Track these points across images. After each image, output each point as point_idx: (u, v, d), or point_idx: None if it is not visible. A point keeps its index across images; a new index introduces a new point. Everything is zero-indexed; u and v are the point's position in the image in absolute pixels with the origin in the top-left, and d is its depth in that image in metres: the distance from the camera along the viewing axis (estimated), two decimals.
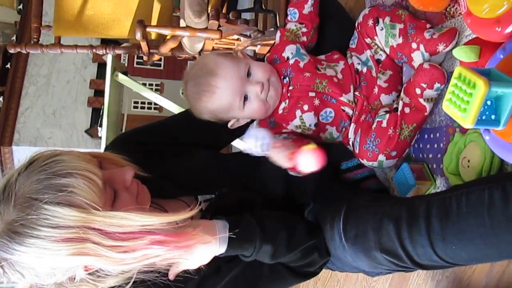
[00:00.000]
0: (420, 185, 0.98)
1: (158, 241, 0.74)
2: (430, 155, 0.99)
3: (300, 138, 1.04)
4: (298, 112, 1.04)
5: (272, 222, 0.92)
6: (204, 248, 0.82)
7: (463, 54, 0.80)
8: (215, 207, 0.98)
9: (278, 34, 1.15)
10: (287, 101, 1.05)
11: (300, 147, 0.88)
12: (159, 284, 0.82)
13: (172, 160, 1.03)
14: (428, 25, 0.97)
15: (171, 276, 0.83)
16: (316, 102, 1.04)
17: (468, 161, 0.86)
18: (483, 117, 0.68)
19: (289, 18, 1.14)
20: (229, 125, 1.09)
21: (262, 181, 1.07)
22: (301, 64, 1.06)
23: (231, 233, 0.84)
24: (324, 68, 1.07)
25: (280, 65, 1.08)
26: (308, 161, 0.88)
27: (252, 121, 1.12)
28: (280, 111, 1.06)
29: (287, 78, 1.06)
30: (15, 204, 0.70)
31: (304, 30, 1.13)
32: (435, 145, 0.98)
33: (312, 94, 1.04)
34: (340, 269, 1.06)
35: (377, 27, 1.04)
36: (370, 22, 1.05)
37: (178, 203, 0.98)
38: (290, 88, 1.05)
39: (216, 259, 0.85)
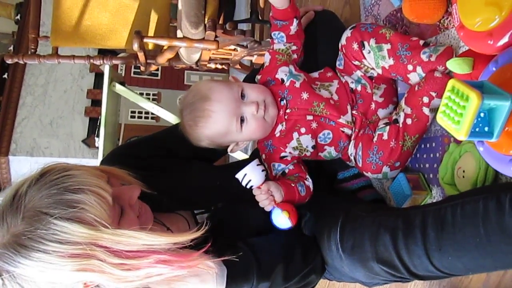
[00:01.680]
0: (416, 195, 0.99)
1: (162, 260, 0.74)
2: (427, 165, 1.00)
3: (293, 175, 1.05)
4: (295, 135, 1.04)
5: (268, 256, 0.92)
6: (201, 286, 0.82)
7: (456, 66, 0.81)
8: (211, 224, 0.98)
9: (268, 56, 1.12)
10: (284, 123, 1.05)
11: (276, 204, 0.96)
12: None
13: (168, 174, 1.03)
14: (421, 42, 0.97)
15: None
16: (314, 125, 1.04)
17: (463, 171, 0.87)
18: (477, 129, 0.69)
19: (275, 41, 1.11)
20: (228, 150, 1.09)
21: None
22: (297, 84, 1.05)
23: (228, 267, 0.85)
24: (318, 89, 1.06)
25: (276, 87, 1.07)
26: (278, 220, 0.96)
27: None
28: (277, 134, 1.06)
29: (285, 101, 1.05)
30: (23, 217, 0.69)
31: (294, 48, 1.11)
32: (431, 155, 0.99)
33: (309, 117, 1.04)
34: (337, 279, 1.06)
35: (363, 51, 1.03)
36: (355, 46, 1.04)
37: (176, 217, 0.98)
38: (288, 111, 1.05)
39: None
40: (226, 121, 1.00)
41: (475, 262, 0.71)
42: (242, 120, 1.01)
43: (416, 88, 0.95)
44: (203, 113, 0.99)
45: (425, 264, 0.76)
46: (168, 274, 0.76)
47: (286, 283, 0.93)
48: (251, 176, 0.97)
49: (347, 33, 1.07)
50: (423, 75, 0.95)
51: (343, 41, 1.08)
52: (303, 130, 1.04)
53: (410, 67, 0.96)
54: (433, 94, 0.93)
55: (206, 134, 1.02)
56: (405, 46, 0.97)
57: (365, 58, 1.04)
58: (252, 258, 0.89)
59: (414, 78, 0.97)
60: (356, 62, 1.07)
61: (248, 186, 0.98)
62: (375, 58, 1.02)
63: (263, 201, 0.96)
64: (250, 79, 1.22)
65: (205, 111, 0.99)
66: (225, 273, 0.85)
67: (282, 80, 1.07)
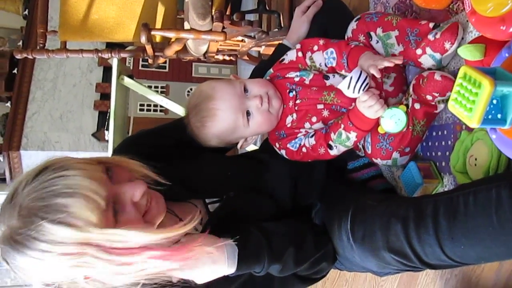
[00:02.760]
0: (427, 184, 0.98)
1: (155, 256, 0.76)
2: (439, 153, 0.99)
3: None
4: (307, 125, 1.04)
5: (279, 239, 0.92)
6: (213, 269, 0.84)
7: (468, 53, 0.80)
8: (223, 213, 0.99)
9: (294, 55, 1.09)
10: (294, 114, 1.05)
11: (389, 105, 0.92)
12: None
13: (180, 163, 1.04)
14: (430, 25, 0.95)
15: (174, 279, 0.84)
16: (325, 113, 1.03)
17: (475, 159, 0.86)
18: (489, 116, 0.68)
19: (322, 54, 1.06)
20: (238, 146, 1.10)
21: (269, 183, 1.07)
22: (307, 81, 1.05)
23: (239, 251, 0.86)
24: (334, 76, 1.05)
25: (284, 80, 1.07)
26: (398, 118, 0.93)
27: None
28: (289, 125, 1.06)
29: (294, 92, 1.05)
30: (19, 215, 0.72)
31: (325, 70, 1.07)
32: (443, 143, 0.98)
33: (320, 106, 1.03)
34: (348, 269, 1.06)
35: (371, 42, 1.02)
36: (362, 38, 1.03)
37: (189, 206, 0.98)
38: (298, 101, 1.04)
39: None
40: (232, 117, 1.01)
41: (488, 250, 0.71)
42: (248, 114, 1.02)
43: (420, 82, 0.94)
44: (209, 113, 1.00)
45: (437, 253, 0.76)
46: (164, 267, 0.78)
47: (297, 267, 0.93)
48: (362, 77, 0.91)
49: (353, 25, 1.06)
50: (435, 55, 0.93)
51: (349, 33, 1.07)
52: (314, 119, 1.04)
53: (419, 51, 0.95)
54: (436, 94, 0.92)
55: (214, 133, 1.03)
56: (414, 31, 0.96)
57: (374, 49, 1.03)
58: (264, 241, 0.89)
59: (426, 61, 0.95)
60: None
61: (357, 90, 0.92)
62: (384, 47, 1.00)
63: (376, 105, 0.93)
64: (259, 70, 1.22)
65: (211, 110, 1.00)
66: (236, 254, 0.85)
67: (291, 77, 1.07)
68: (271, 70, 1.12)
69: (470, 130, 0.89)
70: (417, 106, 0.96)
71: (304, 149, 1.05)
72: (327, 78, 1.05)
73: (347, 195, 1.02)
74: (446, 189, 0.97)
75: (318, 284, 1.83)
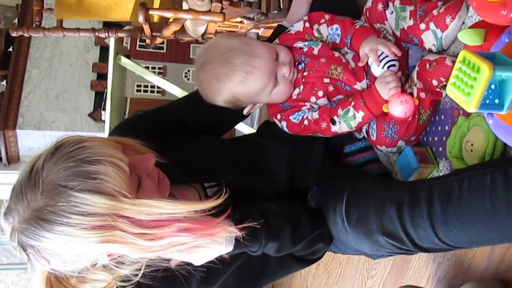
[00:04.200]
0: (423, 169, 0.98)
1: (185, 228, 0.74)
2: (436, 138, 0.99)
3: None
4: (312, 99, 1.04)
5: (276, 218, 0.92)
6: (213, 249, 0.82)
7: (467, 37, 0.79)
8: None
9: (301, 26, 1.09)
10: (301, 87, 1.05)
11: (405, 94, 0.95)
12: (166, 272, 0.82)
13: (178, 146, 1.03)
14: (439, 3, 0.94)
15: (173, 263, 0.83)
16: (330, 88, 1.03)
17: (472, 145, 0.86)
18: (487, 101, 0.68)
19: (327, 29, 1.07)
20: (245, 111, 1.09)
21: (267, 167, 1.08)
22: (315, 51, 1.04)
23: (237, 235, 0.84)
24: (340, 51, 1.05)
25: (292, 51, 1.06)
26: (408, 104, 0.94)
27: None
28: (294, 97, 1.06)
29: (302, 64, 1.05)
30: (43, 191, 0.68)
31: (336, 40, 1.07)
32: (439, 128, 0.98)
33: (326, 80, 1.03)
34: (342, 251, 1.07)
35: (387, 11, 1.02)
36: (380, 6, 1.03)
37: (187, 189, 0.98)
38: (305, 74, 1.04)
39: None
40: (265, 80, 0.99)
41: (481, 235, 0.71)
42: (275, 80, 1.01)
43: (427, 66, 0.93)
44: (243, 68, 0.96)
45: (431, 237, 0.76)
46: (191, 243, 0.75)
47: (294, 246, 0.94)
48: (394, 58, 0.97)
49: None
50: (437, 31, 0.92)
51: (368, 3, 1.07)
52: (320, 93, 1.04)
53: (423, 26, 0.94)
54: (443, 79, 0.92)
55: (236, 91, 1.00)
56: (422, 7, 0.96)
57: (386, 20, 1.03)
58: (261, 219, 0.88)
59: (428, 38, 0.95)
60: (378, 25, 1.05)
61: (383, 64, 0.97)
62: (396, 19, 1.00)
63: (393, 82, 0.95)
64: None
65: (247, 66, 0.96)
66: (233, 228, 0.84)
67: (300, 47, 1.07)
68: (276, 40, 1.11)
69: (467, 115, 0.89)
70: (422, 95, 0.96)
71: (306, 122, 1.05)
72: (334, 50, 1.05)
73: (343, 178, 1.02)
74: (441, 174, 0.98)
75: (312, 266, 1.85)
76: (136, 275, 0.78)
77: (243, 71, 0.96)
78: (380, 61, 0.98)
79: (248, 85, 0.98)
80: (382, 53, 0.97)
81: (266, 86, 1.00)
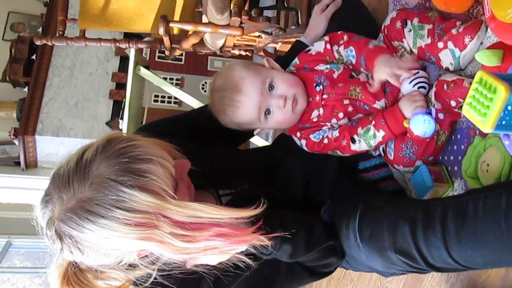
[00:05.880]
0: (437, 188, 0.98)
1: (222, 234, 0.75)
2: (451, 157, 0.99)
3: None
4: (333, 121, 1.05)
5: (292, 222, 0.92)
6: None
7: (485, 58, 0.80)
8: (236, 203, 0.99)
9: (322, 47, 1.09)
10: (321, 109, 1.05)
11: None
12: (176, 277, 0.82)
13: (196, 153, 1.05)
14: (458, 23, 0.95)
15: (189, 265, 0.84)
16: (350, 108, 1.04)
17: (488, 165, 0.86)
18: (503, 122, 0.68)
19: (344, 51, 1.07)
20: (255, 132, 1.11)
21: (281, 179, 1.08)
22: (335, 75, 1.05)
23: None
24: (358, 73, 1.06)
25: (312, 72, 1.07)
26: (429, 123, 0.94)
27: None
28: (315, 119, 1.06)
29: (321, 86, 1.05)
30: (91, 183, 0.69)
31: (352, 61, 1.08)
32: (455, 147, 0.98)
33: (346, 101, 1.04)
34: (354, 268, 1.06)
35: (405, 29, 1.02)
36: (398, 24, 1.03)
37: (205, 195, 0.99)
38: (324, 96, 1.05)
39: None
40: (252, 113, 1.02)
41: (495, 256, 0.71)
42: (267, 113, 1.03)
43: (445, 87, 0.93)
44: (231, 103, 1.02)
45: (444, 256, 0.76)
46: (223, 248, 0.77)
47: (307, 252, 0.93)
48: (424, 78, 0.99)
49: (393, 14, 1.06)
50: (455, 50, 0.92)
51: (387, 21, 1.07)
52: (341, 115, 1.04)
53: (440, 45, 0.94)
54: (461, 100, 0.91)
55: (233, 121, 1.05)
56: (440, 26, 0.96)
57: (404, 37, 1.03)
58: (277, 221, 0.89)
59: (445, 57, 0.95)
60: (396, 43, 1.06)
61: (414, 83, 0.98)
62: (414, 37, 1.00)
63: (420, 101, 0.96)
64: (287, 58, 1.21)
65: (234, 101, 1.01)
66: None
67: (321, 70, 1.07)
68: (296, 60, 1.12)
69: (483, 135, 0.89)
70: (441, 116, 0.96)
71: (325, 140, 1.05)
72: (352, 77, 1.05)
73: (357, 194, 1.02)
74: (456, 194, 0.97)
75: (323, 283, 1.83)
76: (150, 275, 0.79)
77: (231, 106, 1.02)
78: (413, 80, 0.98)
79: (238, 117, 1.03)
80: (418, 72, 0.98)
81: (255, 118, 1.03)
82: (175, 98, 3.41)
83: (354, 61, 1.06)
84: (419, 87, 0.98)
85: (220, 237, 0.75)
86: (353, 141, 1.03)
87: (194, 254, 0.75)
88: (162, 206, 0.70)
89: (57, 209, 0.71)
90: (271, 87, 1.03)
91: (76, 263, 0.76)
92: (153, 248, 0.73)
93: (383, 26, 1.09)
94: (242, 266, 0.87)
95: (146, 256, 0.76)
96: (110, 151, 0.72)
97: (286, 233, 0.86)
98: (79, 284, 0.77)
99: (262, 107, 1.02)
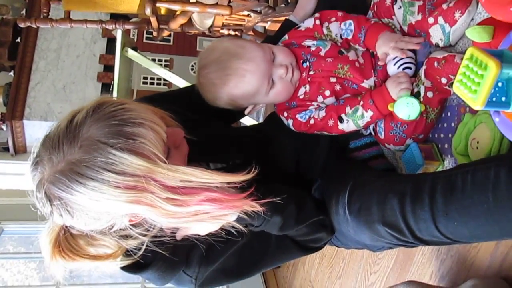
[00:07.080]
0: (428, 165, 0.98)
1: (213, 198, 0.75)
2: (441, 135, 0.99)
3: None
4: (320, 98, 1.04)
5: (283, 194, 0.92)
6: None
7: (476, 34, 0.79)
8: None
9: (311, 23, 1.09)
10: (307, 86, 1.05)
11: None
12: (167, 244, 0.83)
13: (190, 126, 1.04)
14: None
15: (179, 237, 0.84)
16: (337, 87, 1.04)
17: (477, 142, 0.86)
18: (493, 99, 0.68)
19: (339, 26, 1.06)
20: (246, 112, 1.10)
21: (273, 156, 1.08)
22: (323, 52, 1.04)
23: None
24: (348, 50, 1.05)
25: (299, 49, 1.07)
26: (415, 106, 0.94)
27: None
28: (301, 96, 1.06)
29: (307, 62, 1.05)
30: (81, 145, 0.69)
31: (340, 41, 1.07)
32: (445, 124, 0.98)
33: (333, 79, 1.03)
34: (344, 244, 1.08)
35: (395, 6, 1.02)
36: (388, 1, 1.02)
37: (196, 167, 0.99)
38: (311, 73, 1.04)
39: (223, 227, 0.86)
40: (258, 82, 1.00)
41: (481, 229, 0.71)
42: (272, 81, 1.02)
43: (435, 64, 0.93)
44: (235, 72, 0.98)
45: (431, 229, 0.76)
46: (214, 213, 0.77)
47: (297, 225, 0.94)
48: (410, 59, 0.98)
49: None
50: (445, 26, 0.92)
51: None
52: (327, 92, 1.04)
53: (431, 20, 0.94)
54: (452, 77, 0.91)
55: (232, 94, 1.01)
56: (431, 1, 0.96)
57: (394, 14, 1.02)
58: (268, 191, 0.89)
59: (435, 32, 0.94)
60: (385, 20, 1.05)
61: (399, 64, 0.98)
62: (404, 14, 1.00)
63: (405, 83, 0.96)
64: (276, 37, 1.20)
65: (238, 69, 0.98)
66: None
67: (308, 46, 1.07)
68: (286, 36, 1.11)
69: (473, 112, 0.89)
70: (430, 94, 0.96)
71: (312, 121, 1.05)
72: (341, 53, 1.05)
73: (347, 172, 1.02)
74: None
75: (315, 261, 1.86)
76: (142, 244, 0.79)
77: (236, 75, 0.98)
78: (398, 60, 0.98)
79: (242, 88, 1.00)
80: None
81: (261, 88, 1.01)
82: (164, 79, 3.37)
83: (351, 36, 1.04)
84: (404, 68, 0.98)
85: (211, 202, 0.75)
86: (341, 120, 1.02)
87: (185, 219, 0.75)
88: (152, 170, 0.70)
89: (47, 171, 0.71)
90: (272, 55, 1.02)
91: (67, 227, 0.76)
92: (143, 212, 0.73)
93: (372, 3, 1.08)
94: (234, 232, 0.87)
95: (139, 224, 0.76)
96: (100, 113, 0.71)
97: (278, 199, 0.87)
98: (70, 250, 0.77)
99: (269, 76, 1.00)
